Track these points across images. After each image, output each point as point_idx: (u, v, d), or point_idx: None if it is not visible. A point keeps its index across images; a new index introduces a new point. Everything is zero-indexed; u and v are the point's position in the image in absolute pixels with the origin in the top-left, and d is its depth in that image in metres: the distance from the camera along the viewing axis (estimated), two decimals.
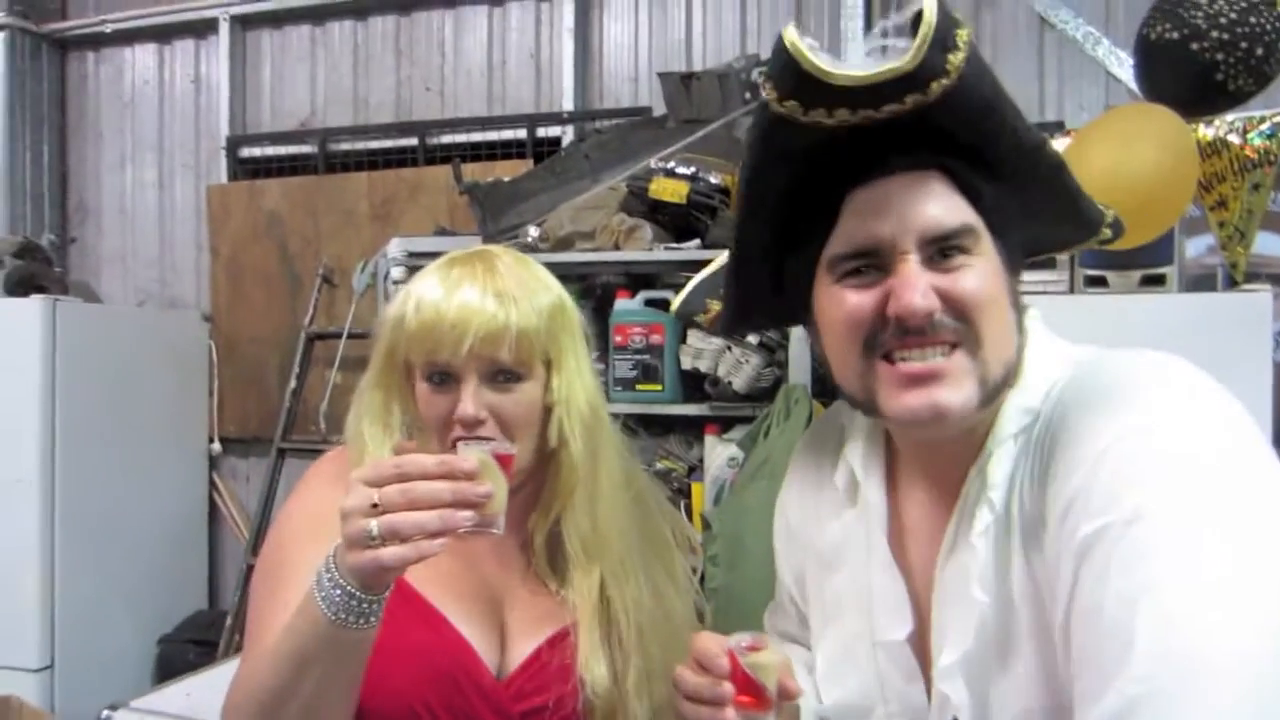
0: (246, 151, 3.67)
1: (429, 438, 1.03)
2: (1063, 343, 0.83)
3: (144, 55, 3.82)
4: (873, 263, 0.77)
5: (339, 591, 0.83)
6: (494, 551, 1.07)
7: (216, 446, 3.66)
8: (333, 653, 0.86)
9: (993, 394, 0.77)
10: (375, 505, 0.80)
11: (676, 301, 1.06)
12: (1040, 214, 0.83)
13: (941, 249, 0.76)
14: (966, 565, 0.76)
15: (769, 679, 0.85)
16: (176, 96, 3.78)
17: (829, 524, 0.94)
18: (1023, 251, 0.85)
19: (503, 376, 1.00)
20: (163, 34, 3.77)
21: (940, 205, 0.76)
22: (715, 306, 0.98)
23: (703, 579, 2.26)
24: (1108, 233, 0.88)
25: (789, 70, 0.69)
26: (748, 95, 2.50)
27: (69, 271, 3.80)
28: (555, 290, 1.06)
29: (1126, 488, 0.65)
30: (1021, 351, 0.79)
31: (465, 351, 0.97)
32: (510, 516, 1.06)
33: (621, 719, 1.04)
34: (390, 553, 0.80)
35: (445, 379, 1.00)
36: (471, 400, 0.98)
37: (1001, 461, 0.77)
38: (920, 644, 0.83)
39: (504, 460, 0.88)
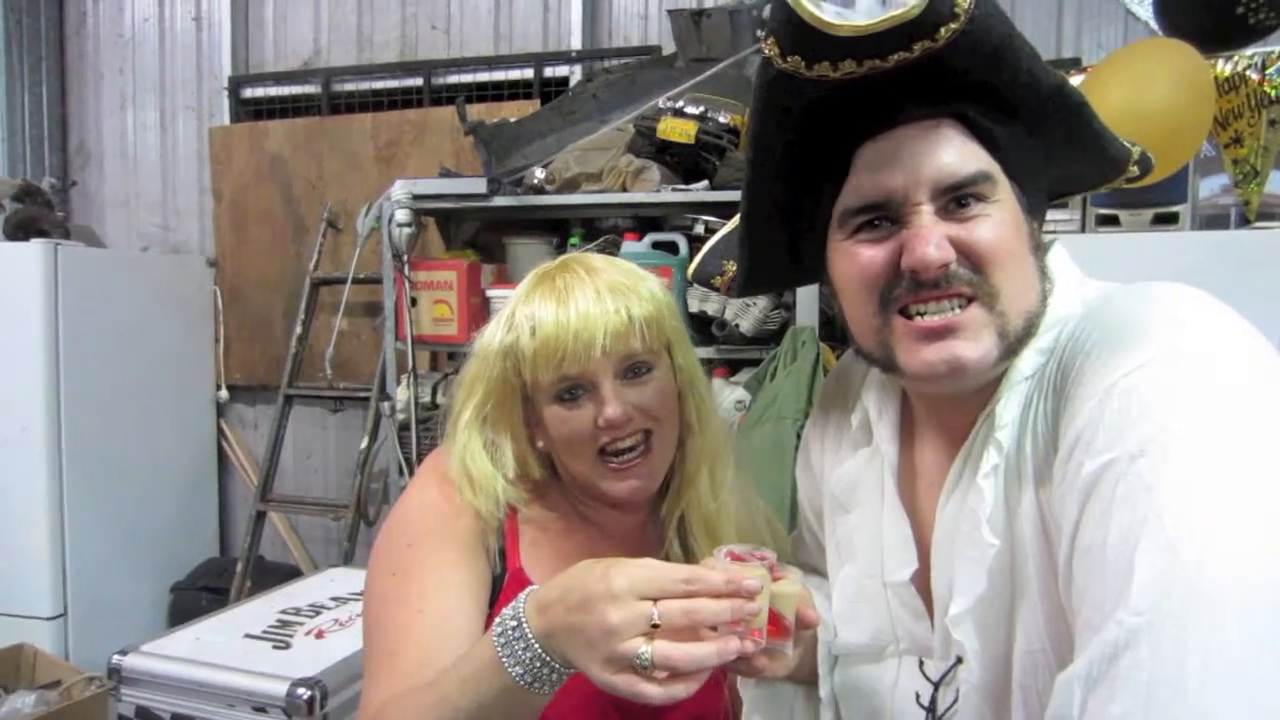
0: (249, 92, 3.62)
1: (545, 463, 1.02)
2: (1078, 278, 0.81)
3: None
4: (885, 215, 0.75)
5: (539, 663, 0.77)
6: (633, 551, 1.02)
7: (224, 394, 3.67)
8: (517, 710, 0.81)
9: (1014, 346, 0.75)
10: (655, 625, 0.72)
11: (692, 266, 1.04)
12: (1063, 155, 0.81)
13: (956, 198, 0.74)
14: (974, 508, 0.75)
15: (788, 609, 0.84)
16: (177, 35, 3.72)
17: (844, 463, 0.94)
18: (1047, 194, 0.83)
19: (635, 370, 0.99)
20: None
21: (953, 153, 0.74)
22: (731, 268, 0.97)
23: None
24: (1135, 170, 0.85)
25: (789, 24, 0.67)
26: (759, 32, 2.45)
27: (70, 216, 3.77)
28: (651, 276, 1.05)
29: (1132, 423, 0.63)
30: (1046, 299, 0.77)
31: (598, 354, 0.95)
32: (645, 511, 1.07)
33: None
34: (662, 693, 0.72)
35: (578, 391, 0.98)
36: (615, 401, 0.96)
37: (1011, 403, 0.75)
38: (924, 584, 0.84)
39: (771, 570, 0.85)
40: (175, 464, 3.51)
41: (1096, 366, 0.68)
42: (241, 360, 3.66)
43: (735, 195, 2.38)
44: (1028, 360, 0.76)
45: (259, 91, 3.61)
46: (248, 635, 2.07)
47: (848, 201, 0.77)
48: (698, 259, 1.04)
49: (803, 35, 0.67)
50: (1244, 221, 1.85)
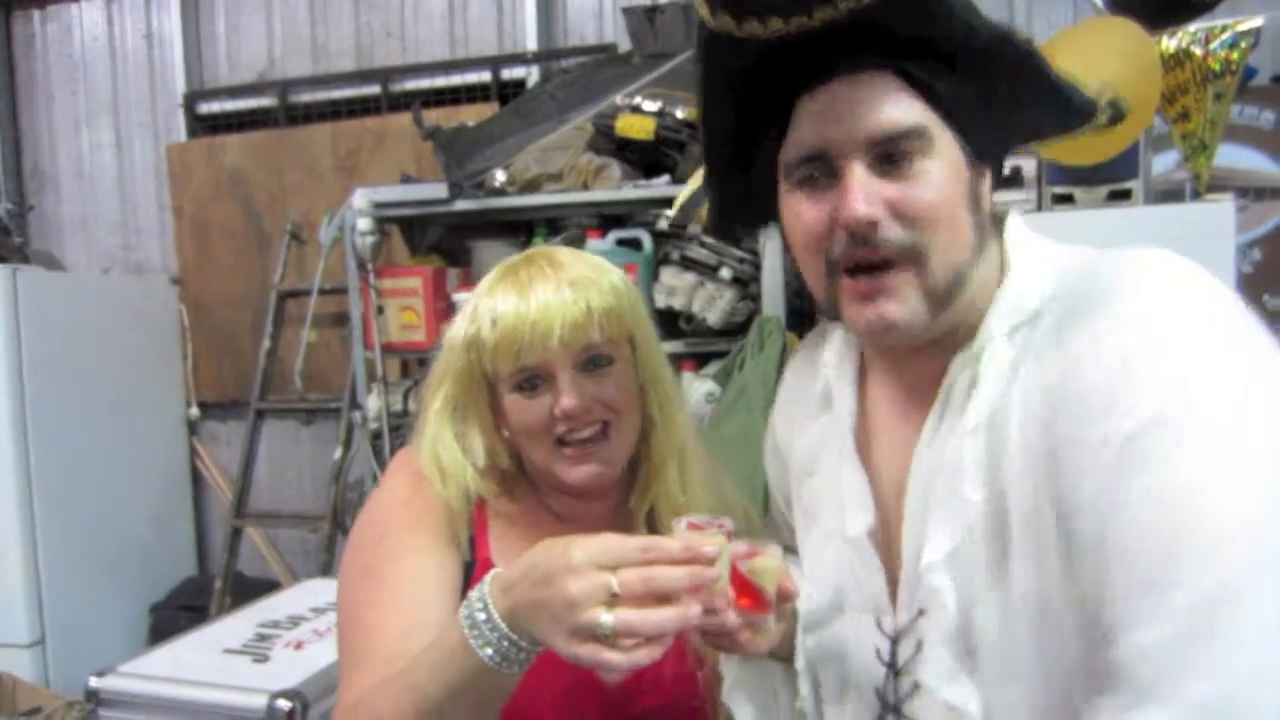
0: (205, 107, 3.59)
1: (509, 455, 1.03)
2: (1052, 244, 0.82)
3: (91, 11, 3.71)
4: (823, 169, 0.77)
5: (506, 642, 0.78)
6: None
7: (195, 411, 3.64)
8: (486, 693, 0.82)
9: (943, 302, 0.76)
10: (615, 595, 0.73)
11: (675, 205, 1.05)
12: (1016, 104, 0.80)
13: (889, 153, 0.74)
14: (956, 462, 0.76)
15: (768, 582, 0.85)
16: (129, 52, 3.68)
17: (807, 432, 0.95)
18: (1003, 142, 0.83)
19: (595, 362, 0.99)
20: None
21: (886, 107, 0.74)
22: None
23: None
24: (1103, 118, 0.85)
25: None
26: None
27: (29, 241, 3.72)
28: (617, 270, 1.06)
29: (1141, 389, 0.64)
30: (978, 253, 0.78)
31: (555, 345, 0.96)
32: (613, 504, 1.08)
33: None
34: (624, 660, 0.72)
35: (536, 381, 0.99)
36: (571, 391, 0.97)
37: (996, 358, 0.76)
38: (884, 539, 0.84)
39: (729, 536, 0.85)
40: (149, 484, 3.47)
41: (1097, 327, 0.68)
42: (211, 377, 3.63)
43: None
44: (1005, 316, 0.77)
45: (215, 106, 3.58)
46: (226, 650, 2.05)
47: (788, 154, 0.79)
48: (678, 201, 1.06)
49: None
50: (1196, 195, 1.89)
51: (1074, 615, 0.68)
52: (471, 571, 1.01)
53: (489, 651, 0.78)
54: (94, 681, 1.94)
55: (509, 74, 3.20)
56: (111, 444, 3.29)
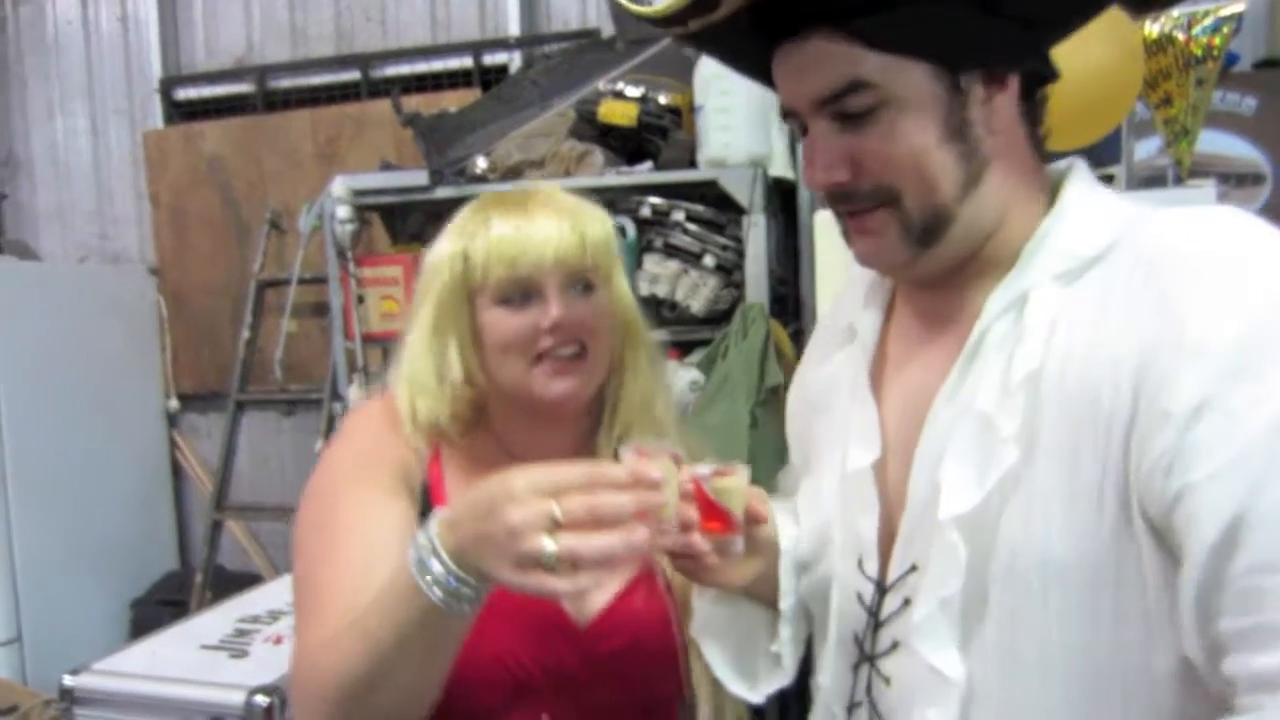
0: (182, 93, 3.53)
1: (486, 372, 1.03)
2: (1109, 191, 0.79)
3: None
4: (800, 126, 0.78)
5: (455, 581, 0.77)
6: None
7: (174, 403, 3.60)
8: (438, 637, 0.82)
9: (926, 239, 0.75)
10: (553, 521, 0.71)
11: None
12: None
13: (840, 110, 0.73)
14: (987, 412, 0.71)
15: (735, 503, 0.84)
16: (104, 37, 3.62)
17: (827, 363, 0.93)
18: (1019, 44, 0.74)
19: (580, 287, 1.02)
20: None
21: (823, 66, 0.73)
22: None
23: None
24: None
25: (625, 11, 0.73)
26: None
27: (3, 230, 3.67)
28: (604, 211, 1.10)
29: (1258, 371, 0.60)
30: (969, 186, 0.74)
31: (549, 261, 0.99)
32: (578, 441, 1.09)
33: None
34: (570, 585, 0.71)
35: (526, 297, 1.01)
36: (562, 304, 1.00)
37: (1042, 305, 0.72)
38: (884, 479, 0.81)
39: (676, 462, 0.84)
40: (127, 477, 3.43)
41: (1221, 290, 0.63)
42: (190, 368, 3.59)
43: (681, 175, 2.38)
44: (1053, 260, 0.73)
45: (192, 92, 3.53)
46: (204, 646, 2.02)
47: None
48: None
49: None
50: (1179, 181, 1.88)
51: (1125, 590, 0.65)
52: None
53: (437, 592, 0.77)
54: (68, 680, 1.91)
55: (491, 59, 3.16)
56: (89, 437, 3.24)
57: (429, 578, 0.77)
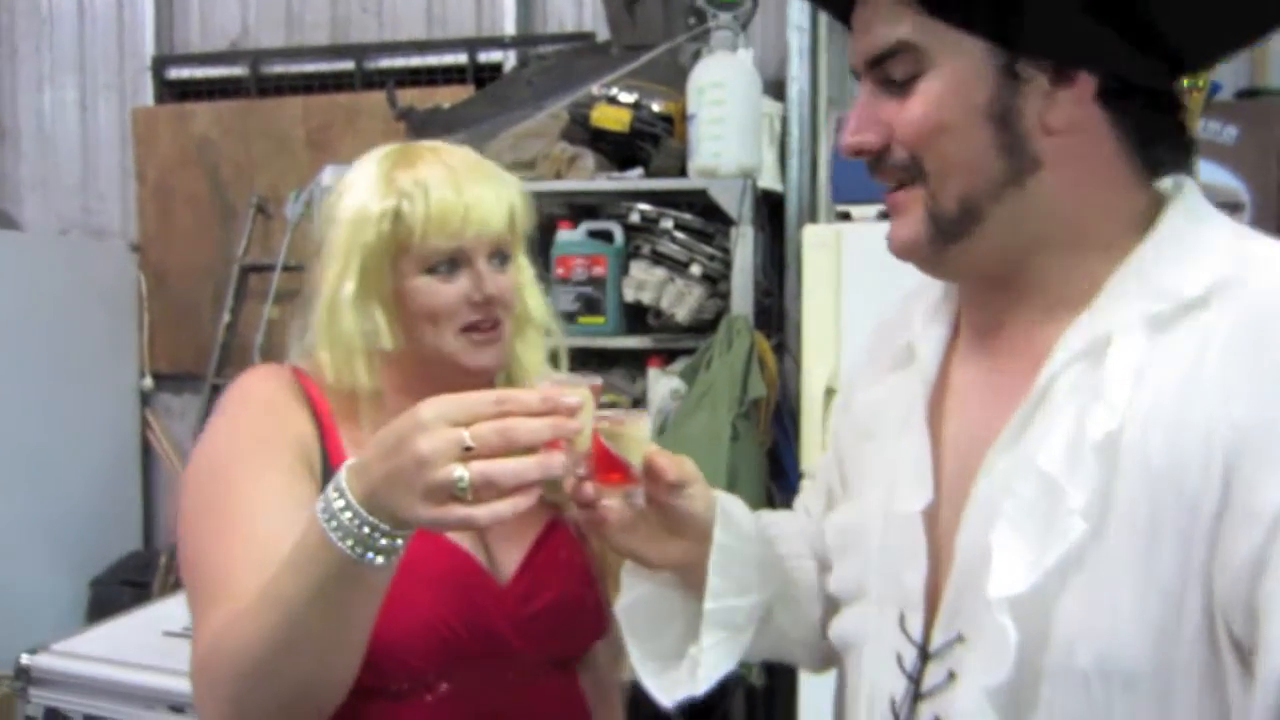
0: (174, 72, 3.50)
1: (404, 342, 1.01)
2: (1226, 219, 0.68)
3: None
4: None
5: (367, 528, 0.72)
6: None
7: (148, 382, 3.56)
8: (357, 591, 0.77)
9: (951, 231, 0.68)
10: (467, 449, 0.68)
11: None
12: None
13: (885, 74, 0.68)
14: (1053, 474, 0.62)
15: (634, 453, 0.79)
16: (98, 11, 3.57)
17: (877, 386, 0.84)
18: (1094, 40, 0.65)
19: (501, 257, 1.02)
20: None
21: (876, 26, 0.68)
22: None
23: None
24: None
25: None
26: (691, 20, 2.44)
27: None
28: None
29: None
30: (1007, 183, 0.67)
31: (484, 232, 0.98)
32: None
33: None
34: (487, 513, 0.69)
35: (454, 265, 0.99)
36: (492, 276, 1.00)
37: (1127, 354, 0.62)
38: (934, 526, 0.72)
39: (595, 392, 0.81)
40: (96, 454, 3.39)
41: None
42: (167, 348, 3.55)
43: (670, 183, 2.38)
44: (1138, 299, 0.64)
45: (184, 72, 3.49)
46: (167, 633, 2.00)
47: None
48: None
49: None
50: None
51: (1206, 714, 0.57)
52: None
53: (349, 543, 0.72)
54: (25, 659, 1.89)
55: (486, 57, 3.15)
56: (58, 410, 3.20)
57: (338, 528, 0.72)
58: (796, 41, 2.47)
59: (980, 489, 0.68)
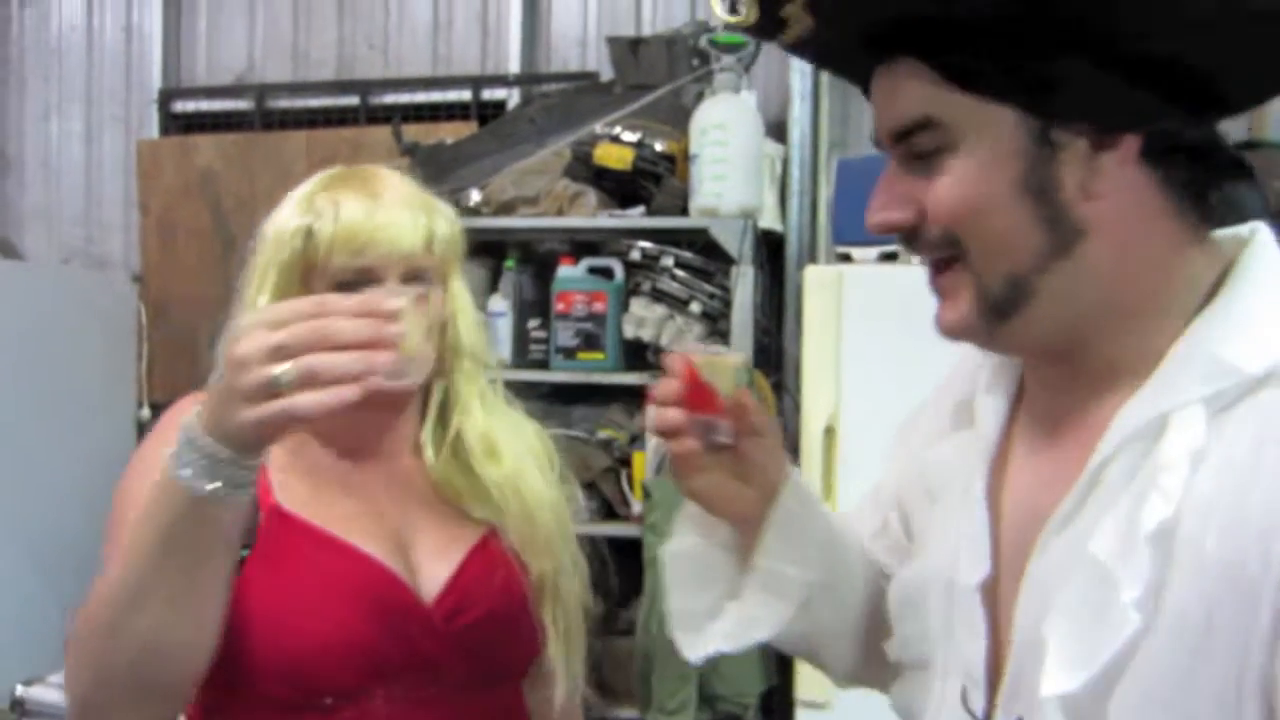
0: (179, 105, 3.53)
1: None
2: None
3: (72, 1, 3.65)
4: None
5: (205, 461, 0.75)
6: (386, 485, 1.07)
7: (146, 413, 3.55)
8: (198, 535, 0.79)
9: (1001, 311, 0.64)
10: (280, 349, 0.72)
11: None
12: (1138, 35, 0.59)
13: (910, 149, 0.66)
14: (1105, 564, 0.58)
15: (722, 383, 0.78)
16: (106, 45, 3.62)
17: (942, 445, 0.82)
18: (1135, 106, 0.61)
19: (421, 282, 1.01)
20: None
21: (898, 99, 0.66)
22: None
23: (641, 547, 2.26)
24: None
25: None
26: (695, 61, 2.48)
27: None
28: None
29: None
30: (1053, 256, 0.62)
31: (394, 252, 0.97)
32: (400, 442, 1.09)
33: (562, 601, 1.08)
34: (307, 400, 0.71)
35: (361, 285, 0.98)
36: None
37: (1184, 435, 0.57)
38: (994, 598, 0.69)
39: (423, 302, 0.88)
40: (92, 484, 3.34)
41: None
42: (165, 379, 3.55)
43: (671, 222, 2.40)
44: (1201, 375, 0.59)
45: (190, 105, 3.53)
46: None
47: None
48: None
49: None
50: None
51: None
52: (256, 519, 0.99)
53: (189, 473, 0.75)
54: (20, 690, 1.87)
55: (490, 95, 3.19)
56: (55, 439, 3.18)
57: (184, 464, 0.75)
58: (799, 84, 2.51)
59: (1035, 570, 0.65)
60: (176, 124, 3.55)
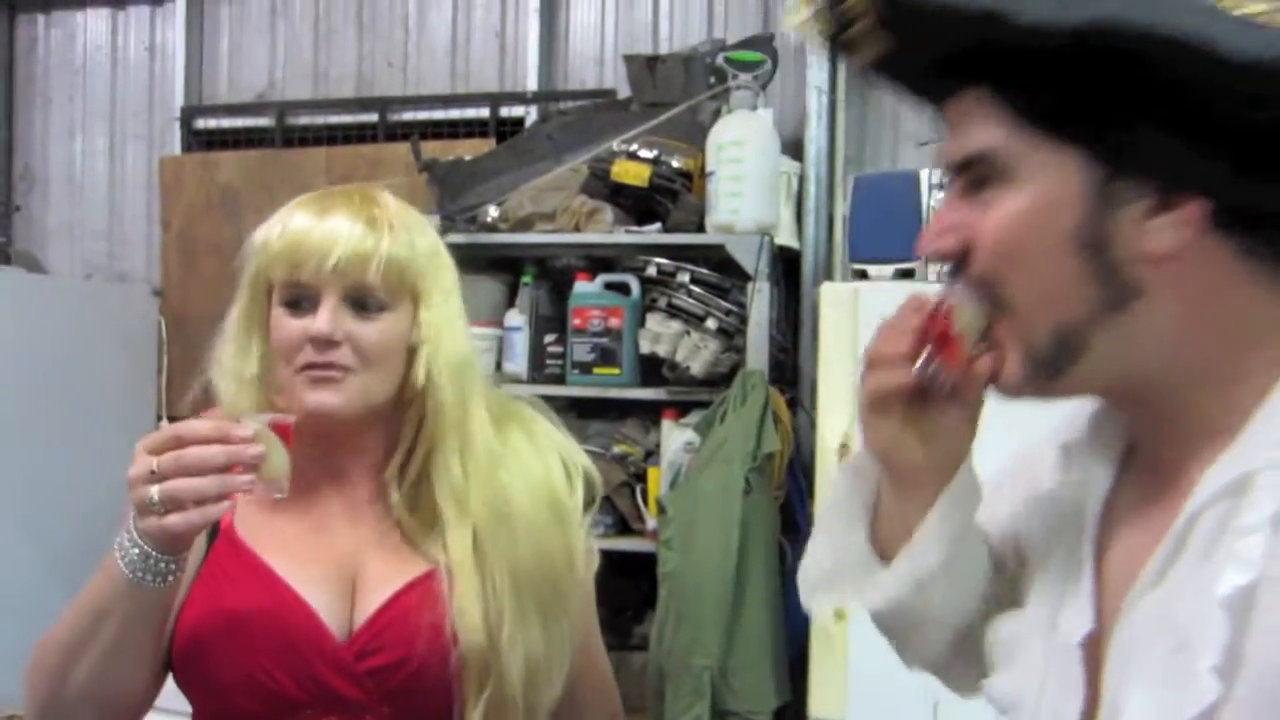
0: (201, 123, 3.58)
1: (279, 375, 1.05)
2: None
3: (96, 20, 3.71)
4: None
5: (137, 550, 0.89)
6: (345, 512, 1.07)
7: (165, 425, 3.58)
8: (129, 610, 0.93)
9: (1051, 363, 0.62)
10: (153, 472, 0.86)
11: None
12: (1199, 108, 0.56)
13: (970, 180, 0.64)
14: (1187, 626, 0.56)
15: (968, 328, 0.69)
16: (130, 64, 3.68)
17: (1060, 489, 0.78)
18: (1211, 169, 0.58)
19: (365, 304, 1.00)
20: None
21: (966, 126, 0.64)
22: None
23: (655, 562, 2.26)
24: None
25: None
26: (712, 79, 2.49)
27: (12, 241, 3.68)
28: (434, 236, 1.09)
29: None
30: (1110, 312, 0.60)
31: (329, 268, 0.97)
32: (363, 470, 1.07)
33: (495, 674, 0.99)
34: (175, 520, 0.86)
35: (303, 301, 1.00)
36: (329, 317, 0.98)
37: (1267, 495, 0.55)
38: (1094, 648, 0.67)
39: (282, 429, 0.93)
40: (112, 495, 3.30)
41: None
42: (185, 392, 3.57)
43: (688, 238, 2.41)
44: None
45: (211, 123, 3.58)
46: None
47: None
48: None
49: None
50: None
51: None
52: (213, 541, 1.04)
53: (124, 562, 0.90)
54: None
55: (508, 112, 3.21)
56: (76, 451, 3.21)
57: (122, 553, 0.91)
58: (815, 102, 2.52)
59: (1121, 632, 0.63)
60: (198, 141, 3.59)
